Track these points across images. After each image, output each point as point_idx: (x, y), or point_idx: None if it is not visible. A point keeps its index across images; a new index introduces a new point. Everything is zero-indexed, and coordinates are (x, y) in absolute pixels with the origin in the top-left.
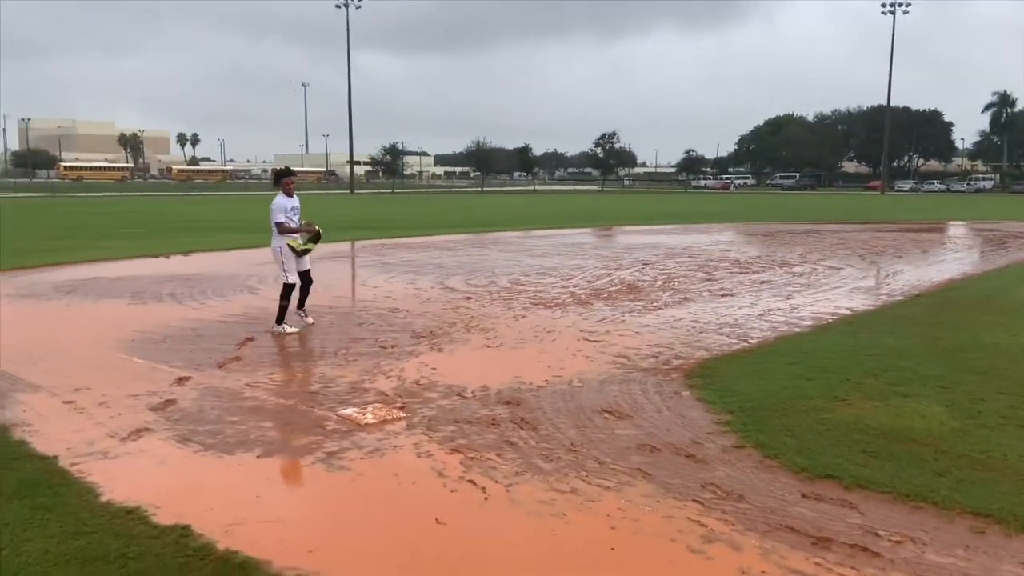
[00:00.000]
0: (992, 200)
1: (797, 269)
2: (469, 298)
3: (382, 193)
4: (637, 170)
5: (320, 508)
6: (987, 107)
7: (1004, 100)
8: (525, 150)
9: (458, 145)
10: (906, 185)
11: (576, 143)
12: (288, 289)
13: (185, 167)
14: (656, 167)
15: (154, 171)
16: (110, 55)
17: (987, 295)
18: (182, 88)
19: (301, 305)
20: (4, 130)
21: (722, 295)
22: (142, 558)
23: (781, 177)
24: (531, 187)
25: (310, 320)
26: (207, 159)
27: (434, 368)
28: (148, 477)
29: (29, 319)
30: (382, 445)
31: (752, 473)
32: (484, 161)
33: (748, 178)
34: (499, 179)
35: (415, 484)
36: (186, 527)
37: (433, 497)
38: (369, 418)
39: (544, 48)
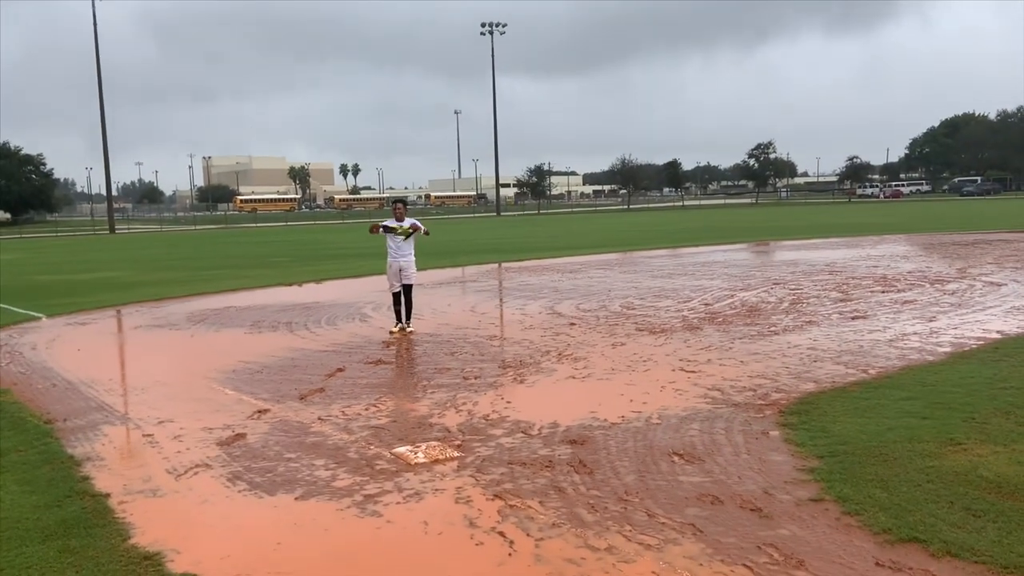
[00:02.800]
0: None
1: (951, 286)
2: (573, 324)
3: (527, 214)
4: (797, 180)
5: (334, 560)
6: None
7: None
8: (673, 165)
9: (605, 163)
10: None
11: (729, 155)
12: (393, 296)
13: (346, 196)
14: (818, 176)
15: (320, 201)
16: (277, 95)
17: None
18: (343, 122)
19: (400, 317)
20: (191, 168)
21: (853, 318)
22: None
23: (960, 181)
24: (680, 203)
25: (409, 329)
26: (368, 188)
27: (508, 402)
28: (184, 518)
29: (150, 349)
30: (424, 488)
31: (824, 533)
32: (630, 178)
33: (922, 184)
34: (648, 196)
35: (441, 535)
36: None
37: (455, 551)
38: (420, 457)
39: (683, 59)
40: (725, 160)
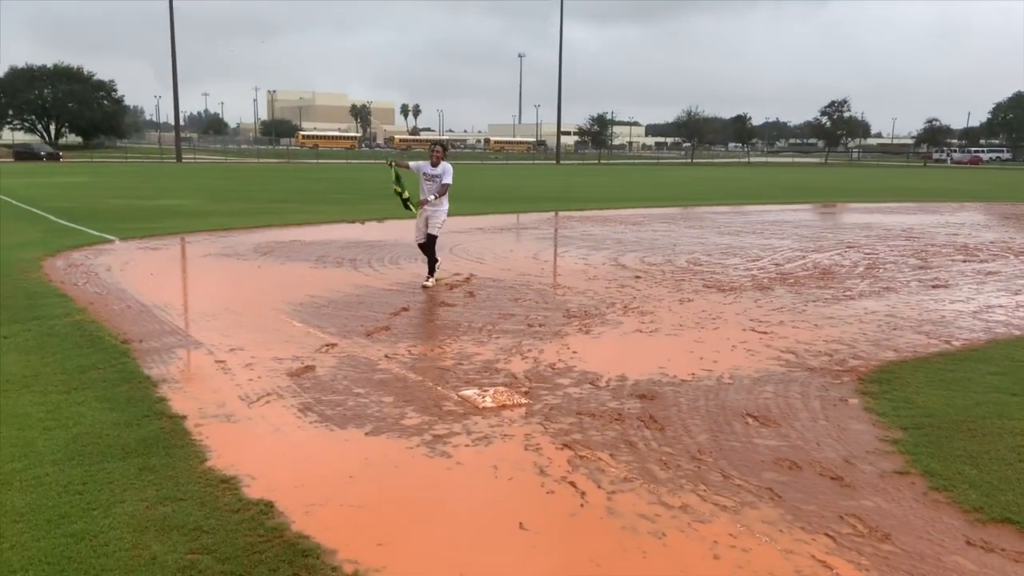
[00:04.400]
0: None
1: None
2: (638, 277)
3: (588, 164)
4: (870, 141)
5: (406, 497)
6: None
7: None
8: (741, 119)
9: (668, 115)
10: None
11: (800, 111)
12: (419, 247)
13: (406, 136)
14: (893, 138)
15: (379, 140)
16: (340, 31)
17: None
18: (404, 61)
19: (430, 271)
20: (255, 101)
21: (934, 286)
22: (214, 532)
23: None
24: (745, 159)
25: (430, 283)
26: (427, 129)
27: (575, 352)
28: (257, 445)
29: (220, 277)
30: (492, 432)
31: (910, 507)
32: (695, 131)
33: (1003, 151)
34: (712, 150)
35: (511, 480)
36: (269, 504)
37: (526, 498)
38: (488, 402)
39: (751, 9)
40: (795, 117)
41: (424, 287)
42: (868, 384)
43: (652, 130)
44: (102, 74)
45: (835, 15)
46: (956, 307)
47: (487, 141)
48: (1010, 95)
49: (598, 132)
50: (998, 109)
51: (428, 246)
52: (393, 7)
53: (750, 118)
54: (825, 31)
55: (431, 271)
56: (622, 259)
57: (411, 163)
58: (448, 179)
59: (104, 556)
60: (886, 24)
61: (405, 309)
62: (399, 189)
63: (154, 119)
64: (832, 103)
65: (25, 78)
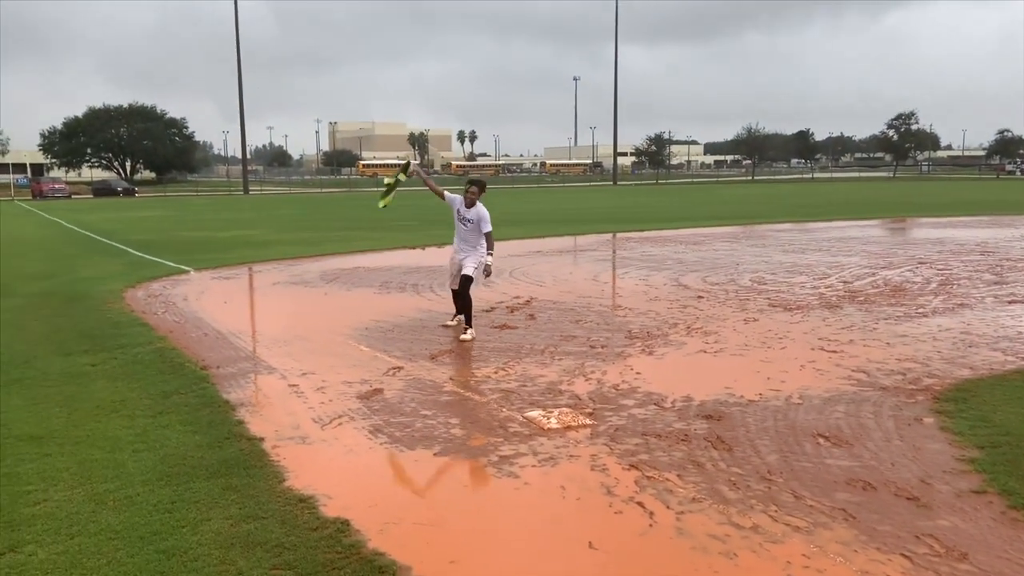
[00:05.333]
0: None
1: None
2: (700, 297)
3: (645, 184)
4: (940, 154)
5: (477, 515)
6: None
7: None
8: (804, 135)
9: (727, 133)
10: None
11: (865, 125)
12: (452, 293)
13: (463, 162)
14: (963, 150)
15: (437, 167)
16: (393, 62)
17: None
18: (459, 88)
19: (464, 316)
20: (318, 132)
21: (1010, 302)
22: (295, 549)
23: None
24: (809, 175)
25: (466, 337)
26: (484, 154)
27: (639, 373)
28: (332, 465)
29: (290, 305)
30: (558, 453)
31: (988, 527)
32: (756, 148)
33: None
34: (774, 167)
35: (579, 500)
36: (346, 522)
37: (594, 517)
38: (553, 423)
39: (806, 24)
40: (860, 131)
41: (463, 335)
42: (943, 403)
43: (711, 148)
44: (173, 112)
45: (892, 26)
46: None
47: (543, 164)
48: None
49: (655, 152)
50: None
51: (462, 289)
52: (442, 38)
53: (813, 133)
54: (884, 43)
55: (467, 320)
56: (683, 279)
57: (447, 194)
58: (488, 226)
59: (194, 572)
60: (947, 33)
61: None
62: (386, 199)
63: (222, 153)
64: (899, 116)
65: (102, 118)
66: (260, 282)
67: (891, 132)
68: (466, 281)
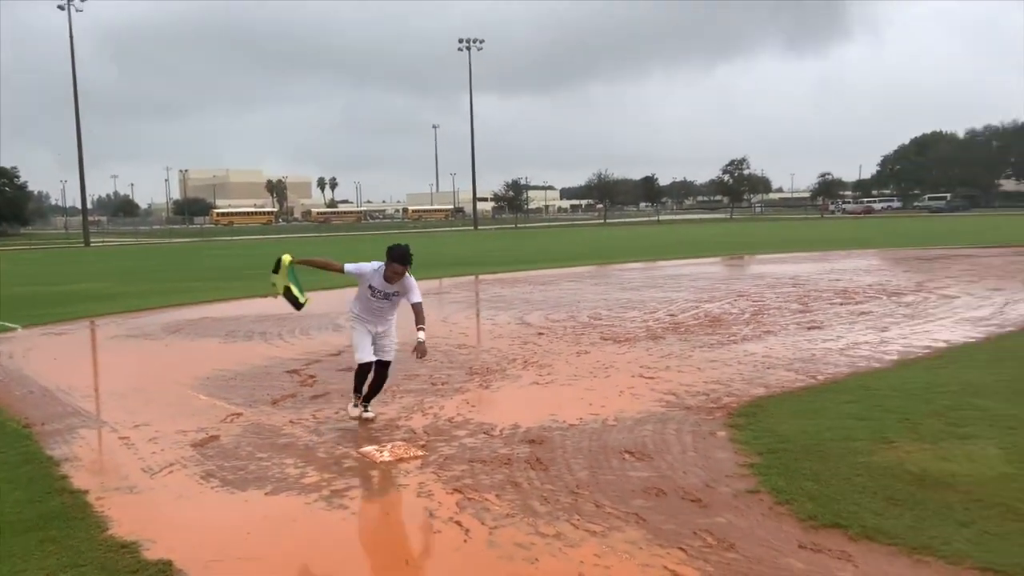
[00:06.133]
0: None
1: (908, 299)
2: (541, 334)
3: (504, 228)
4: (772, 196)
5: (301, 547)
6: None
7: None
8: (650, 180)
9: (583, 178)
10: None
11: (704, 170)
12: (359, 368)
13: (323, 210)
14: (792, 192)
15: (297, 214)
16: (244, 108)
17: None
18: (318, 135)
19: (361, 391)
20: (167, 181)
21: (810, 328)
22: None
23: (930, 199)
24: (655, 217)
25: (370, 415)
26: (345, 201)
27: (473, 406)
28: (159, 512)
29: (127, 358)
30: (388, 484)
31: (756, 520)
32: (607, 192)
33: (893, 200)
34: (624, 210)
35: (402, 524)
36: (168, 563)
37: (414, 538)
38: (386, 456)
39: (645, 76)
40: (701, 175)
41: (366, 416)
42: (736, 418)
43: (567, 193)
44: (3, 161)
45: (722, 79)
46: (826, 345)
47: (405, 210)
48: (895, 148)
49: (513, 197)
50: (885, 161)
51: (378, 371)
52: (297, 85)
53: (657, 179)
54: (717, 94)
55: (372, 396)
56: (527, 317)
57: (348, 266)
58: (417, 296)
59: None
60: (772, 84)
61: (312, 376)
62: (294, 291)
63: (60, 204)
64: (732, 162)
65: None
66: (97, 336)
67: (726, 176)
68: (387, 366)
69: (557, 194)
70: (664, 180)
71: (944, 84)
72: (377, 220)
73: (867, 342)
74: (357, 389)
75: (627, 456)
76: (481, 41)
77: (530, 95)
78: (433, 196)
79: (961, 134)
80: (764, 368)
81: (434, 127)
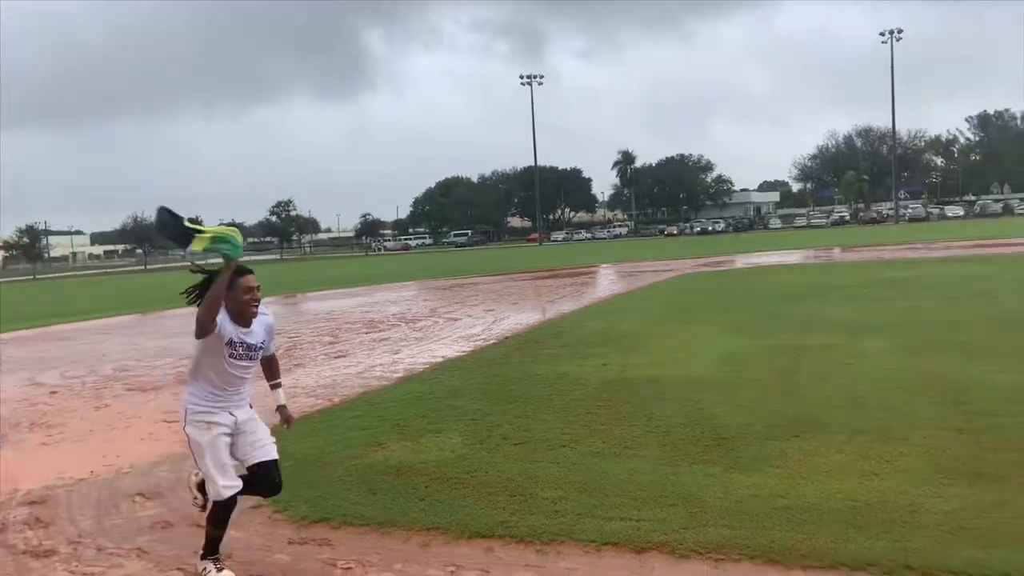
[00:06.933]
0: (624, 244)
1: (421, 324)
2: (54, 392)
3: (20, 280)
4: (321, 236)
5: None
6: (615, 164)
7: (627, 158)
8: (193, 221)
9: (117, 221)
10: (559, 235)
11: (255, 211)
12: (222, 505)
13: None
14: (340, 232)
15: None
16: None
17: (560, 331)
18: None
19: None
20: None
21: (336, 357)
22: None
23: (455, 235)
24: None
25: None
26: None
27: None
28: None
29: None
30: None
31: (255, 530)
32: (145, 236)
33: (426, 238)
34: (170, 254)
35: None
36: None
37: None
38: None
39: (177, 114)
40: (251, 217)
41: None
42: None
43: (100, 238)
44: None
45: (261, 122)
46: (348, 371)
47: None
48: (424, 191)
49: (29, 244)
50: (417, 202)
51: (260, 483)
52: None
53: (202, 221)
54: (259, 134)
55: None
56: (39, 377)
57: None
58: (273, 342)
59: None
60: (311, 126)
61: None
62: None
63: None
64: (279, 203)
65: None
66: None
67: (274, 217)
68: (274, 465)
69: (87, 239)
70: (212, 221)
71: (457, 132)
72: None
73: (381, 364)
74: (215, 543)
75: (139, 498)
76: None
77: (42, 131)
78: None
79: (475, 178)
80: (288, 399)
81: None
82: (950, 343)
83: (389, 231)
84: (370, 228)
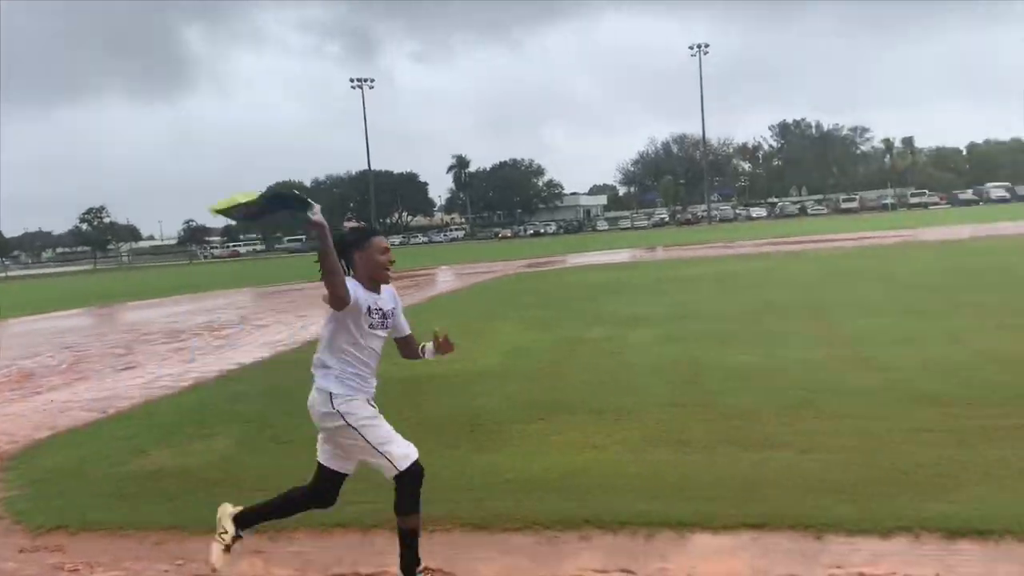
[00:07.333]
0: (460, 247)
1: (227, 331)
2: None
3: None
4: (143, 244)
5: None
6: (450, 168)
7: (461, 162)
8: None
9: None
10: (397, 239)
11: (63, 220)
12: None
13: None
14: (163, 239)
15: None
16: None
17: None
18: None
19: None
20: None
21: (124, 368)
22: None
23: (288, 241)
24: (2, 274)
25: None
26: None
27: None
28: None
29: None
30: None
31: None
32: None
33: (257, 244)
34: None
35: None
36: None
37: None
38: None
39: None
40: (60, 225)
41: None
42: (9, 461)
43: None
44: None
45: (67, 123)
46: (133, 382)
47: None
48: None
49: None
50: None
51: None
52: None
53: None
54: (63, 137)
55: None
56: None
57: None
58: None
59: None
60: (123, 128)
61: None
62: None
63: None
64: (90, 210)
65: None
66: None
67: (85, 226)
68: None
69: None
70: (14, 231)
71: (289, 135)
72: None
73: (170, 374)
74: (413, 540)
75: None
76: None
77: None
78: None
79: (308, 182)
80: (59, 412)
81: None
82: (707, 331)
83: (217, 238)
84: (195, 234)
